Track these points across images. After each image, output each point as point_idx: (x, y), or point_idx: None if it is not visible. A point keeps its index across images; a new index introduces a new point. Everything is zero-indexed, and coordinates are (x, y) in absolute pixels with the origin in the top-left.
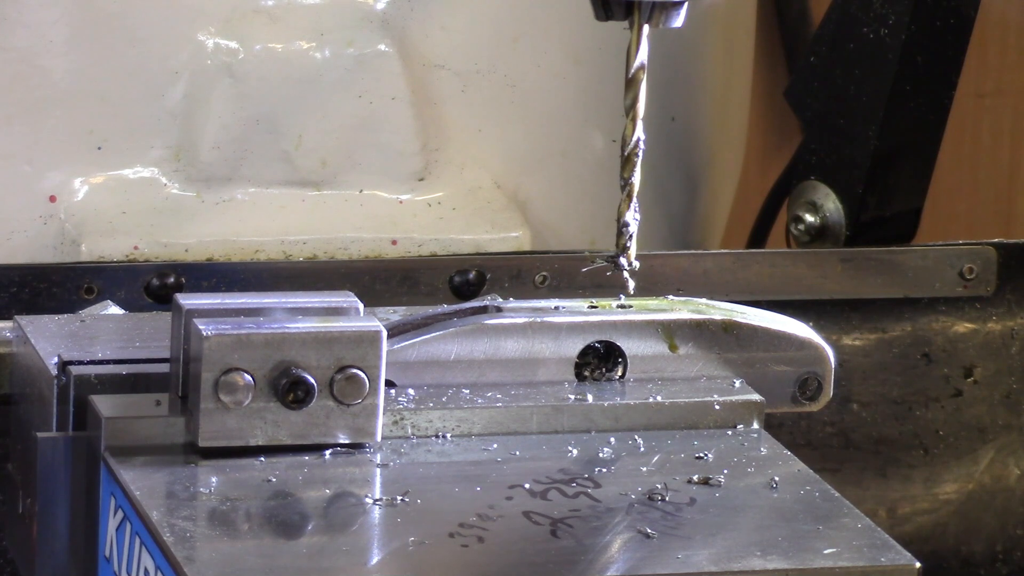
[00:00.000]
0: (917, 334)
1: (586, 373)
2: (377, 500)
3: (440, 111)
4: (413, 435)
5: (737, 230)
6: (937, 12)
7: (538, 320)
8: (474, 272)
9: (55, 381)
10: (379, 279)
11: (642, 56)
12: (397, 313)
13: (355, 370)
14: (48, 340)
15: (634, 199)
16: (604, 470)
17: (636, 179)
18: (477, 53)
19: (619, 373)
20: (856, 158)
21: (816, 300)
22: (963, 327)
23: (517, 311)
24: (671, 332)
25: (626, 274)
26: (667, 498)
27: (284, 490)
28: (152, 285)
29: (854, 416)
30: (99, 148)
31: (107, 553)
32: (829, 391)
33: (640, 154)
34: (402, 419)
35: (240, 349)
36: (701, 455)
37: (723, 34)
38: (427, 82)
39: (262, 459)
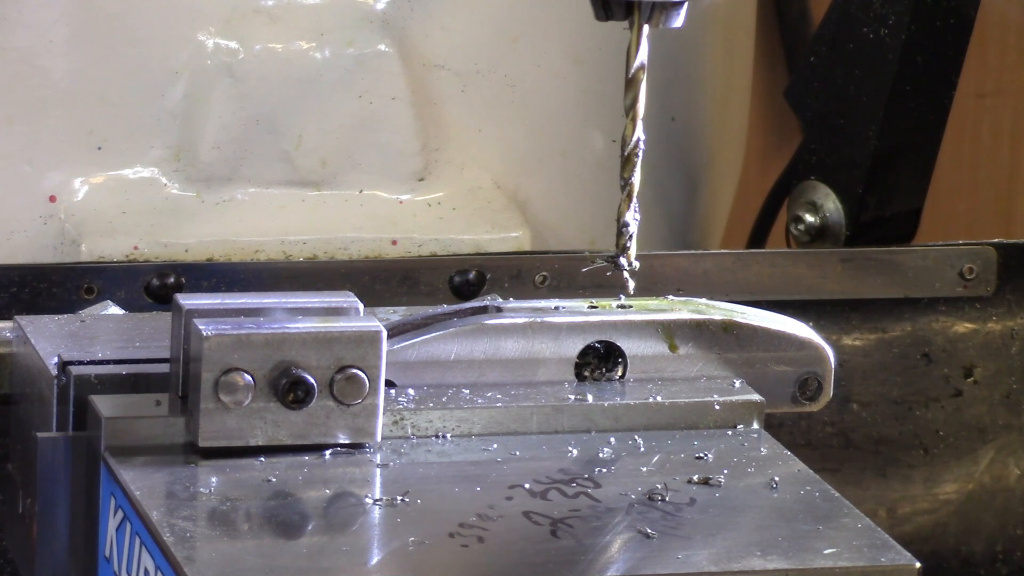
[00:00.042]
0: (917, 334)
1: (586, 373)
2: (377, 500)
3: (440, 111)
4: (413, 435)
5: (737, 230)
6: (937, 12)
7: (538, 320)
8: (474, 272)
9: (55, 381)
10: (379, 279)
11: (642, 56)
12: (397, 313)
13: (355, 370)
14: (48, 340)
15: (634, 199)
16: (604, 470)
17: (636, 179)
18: (477, 53)
19: (619, 373)
20: (856, 158)
21: (816, 300)
22: (963, 327)
23: (517, 311)
24: (671, 332)
25: (626, 274)
26: (667, 498)
27: (284, 490)
28: (152, 285)
29: (854, 416)
30: (99, 148)
31: (107, 553)
32: (829, 391)
33: (640, 154)
34: (402, 419)
35: (240, 349)
36: (701, 455)
37: (723, 34)
38: (427, 82)
39: (262, 459)
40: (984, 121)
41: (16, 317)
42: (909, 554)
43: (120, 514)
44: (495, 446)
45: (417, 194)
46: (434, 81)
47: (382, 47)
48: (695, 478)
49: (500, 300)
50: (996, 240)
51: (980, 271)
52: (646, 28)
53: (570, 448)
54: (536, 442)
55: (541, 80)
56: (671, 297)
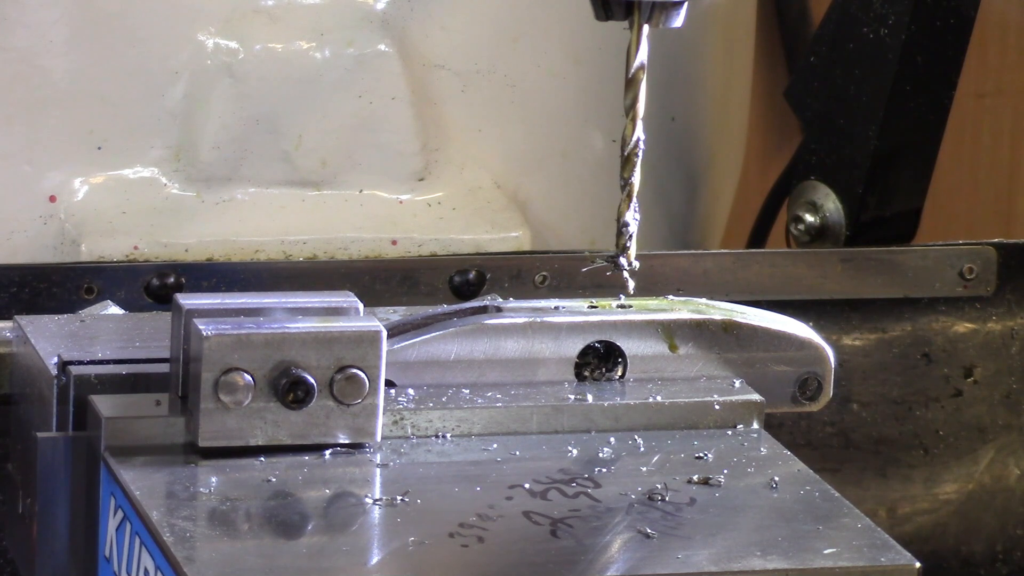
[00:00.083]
0: (917, 334)
1: (586, 373)
2: (377, 500)
3: (440, 111)
4: (413, 435)
5: (737, 230)
6: (937, 12)
7: (538, 320)
8: (474, 272)
9: (55, 381)
10: (379, 279)
11: (642, 56)
12: (397, 313)
13: (355, 370)
14: (48, 340)
15: (634, 199)
16: (604, 470)
17: (636, 179)
18: (477, 53)
19: (619, 373)
20: (856, 158)
21: (816, 300)
22: (963, 327)
23: (517, 311)
24: (671, 332)
25: (626, 274)
26: (667, 498)
27: (284, 490)
28: (152, 285)
29: (854, 416)
30: (99, 148)
31: (107, 553)
32: (829, 391)
33: (640, 154)
34: (402, 419)
35: (240, 349)
36: (701, 455)
37: (723, 34)
38: (427, 82)
39: (262, 459)
40: (984, 121)
41: (16, 317)
42: (909, 554)
43: (120, 514)
44: (495, 446)
45: (417, 194)
46: (434, 81)
47: (382, 47)
48: (695, 478)
49: (500, 300)
50: (996, 240)
51: (980, 271)
52: (646, 28)
53: (570, 448)
54: (536, 442)
55: (541, 80)
56: (671, 297)
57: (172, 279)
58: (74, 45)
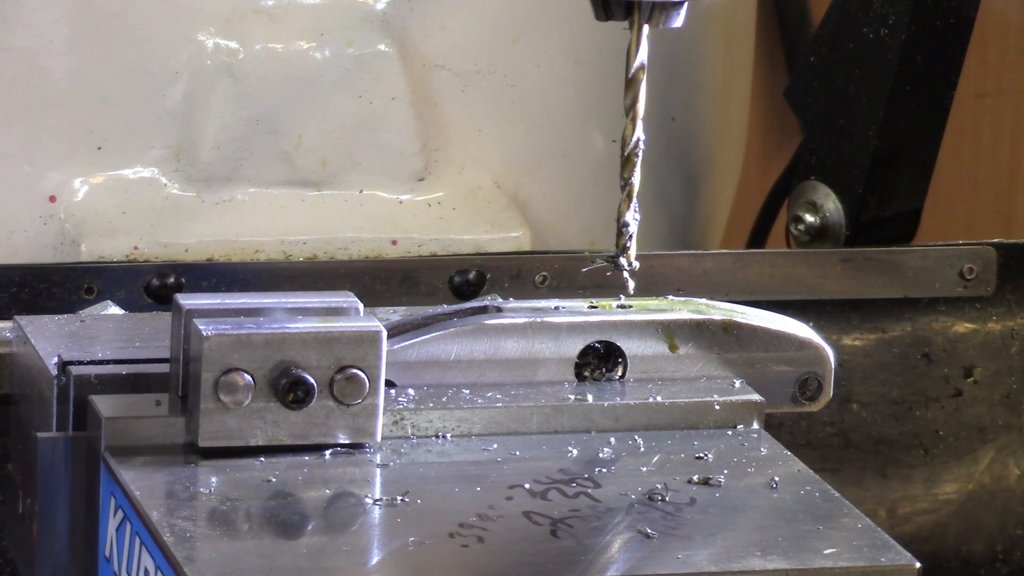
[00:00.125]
0: (917, 334)
1: (586, 373)
2: (377, 500)
3: (440, 111)
4: (413, 435)
5: (737, 230)
6: (937, 12)
7: (538, 320)
8: (474, 272)
9: (55, 381)
10: (379, 279)
11: (642, 56)
12: (397, 313)
13: (355, 370)
14: (48, 340)
15: (634, 199)
16: (604, 470)
17: (636, 179)
18: (477, 53)
19: (619, 373)
20: (856, 158)
21: (816, 300)
22: (963, 327)
23: (517, 311)
24: (671, 332)
25: (626, 274)
26: (667, 498)
27: (284, 490)
28: (152, 285)
29: (854, 416)
30: (99, 148)
31: (107, 553)
32: (829, 391)
33: (640, 154)
34: (402, 419)
35: (240, 349)
36: (701, 455)
37: (723, 34)
38: (427, 82)
39: (262, 459)
40: (984, 121)
41: (16, 317)
42: (909, 554)
43: (120, 514)
44: (495, 446)
45: (417, 194)
46: (434, 81)
47: (382, 47)
48: (695, 478)
49: (500, 300)
50: (996, 240)
51: (980, 271)
52: (646, 28)
53: (570, 448)
54: (536, 442)
55: (541, 80)
56: (671, 297)
57: (172, 279)
58: (74, 45)
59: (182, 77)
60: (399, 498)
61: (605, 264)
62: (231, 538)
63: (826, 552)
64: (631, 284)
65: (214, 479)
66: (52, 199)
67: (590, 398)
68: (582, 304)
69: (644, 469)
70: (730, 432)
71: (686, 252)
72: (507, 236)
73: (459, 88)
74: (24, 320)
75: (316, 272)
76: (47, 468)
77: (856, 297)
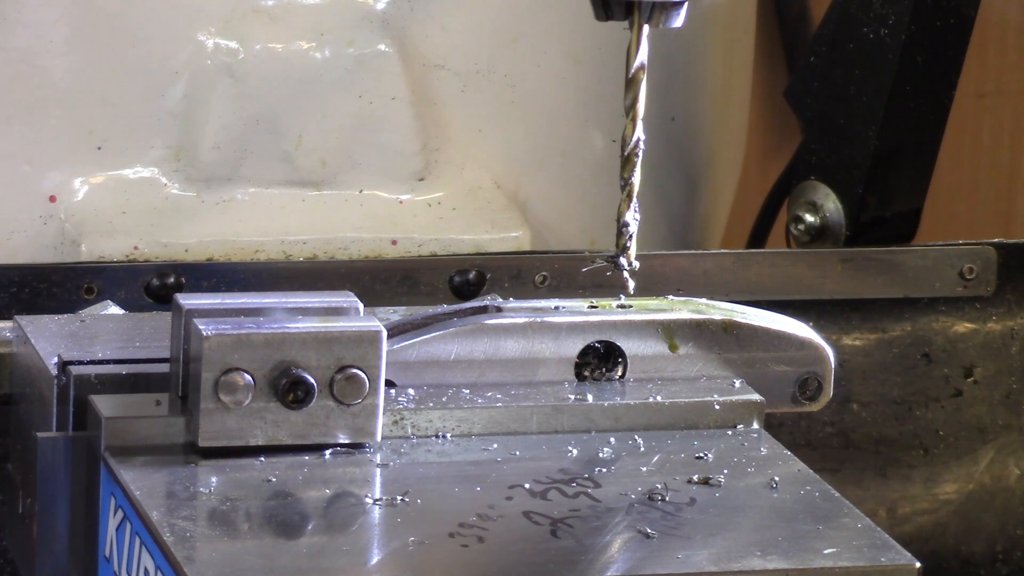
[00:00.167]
0: (917, 334)
1: (586, 373)
2: (377, 500)
3: (440, 111)
4: (413, 435)
5: (737, 230)
6: (937, 12)
7: (538, 320)
8: (474, 272)
9: (55, 381)
10: (379, 279)
11: (642, 56)
12: (397, 313)
13: (355, 370)
14: (48, 340)
15: (634, 199)
16: (604, 470)
17: (636, 179)
18: (477, 53)
19: (619, 373)
20: (856, 158)
21: (816, 300)
22: (963, 327)
23: (517, 311)
24: (671, 332)
25: (626, 274)
26: (667, 498)
27: (284, 490)
28: (152, 285)
29: (854, 416)
30: (99, 148)
31: (107, 553)
32: (829, 391)
33: (640, 154)
34: (402, 419)
35: (240, 349)
36: (701, 455)
37: (723, 34)
38: (427, 82)
39: (262, 459)
40: (984, 121)
41: (16, 317)
42: (909, 554)
43: (120, 514)
44: (495, 446)
45: (417, 194)
46: (434, 81)
47: (382, 47)
48: (695, 478)
49: (500, 300)
50: (996, 240)
51: (980, 271)
52: (646, 28)
53: (570, 448)
54: (536, 442)
55: (541, 80)
56: (671, 297)
57: (172, 279)
58: (74, 45)
59: (182, 77)
60: (399, 498)
61: (605, 264)
62: (231, 538)
63: (826, 552)
64: (631, 284)
65: (214, 479)
66: (52, 199)
67: (590, 398)
68: (582, 304)
69: (644, 469)
70: (730, 432)
71: (686, 252)
72: (507, 236)
73: (459, 88)
74: (24, 320)
75: (316, 272)
76: (47, 468)
77: (856, 297)
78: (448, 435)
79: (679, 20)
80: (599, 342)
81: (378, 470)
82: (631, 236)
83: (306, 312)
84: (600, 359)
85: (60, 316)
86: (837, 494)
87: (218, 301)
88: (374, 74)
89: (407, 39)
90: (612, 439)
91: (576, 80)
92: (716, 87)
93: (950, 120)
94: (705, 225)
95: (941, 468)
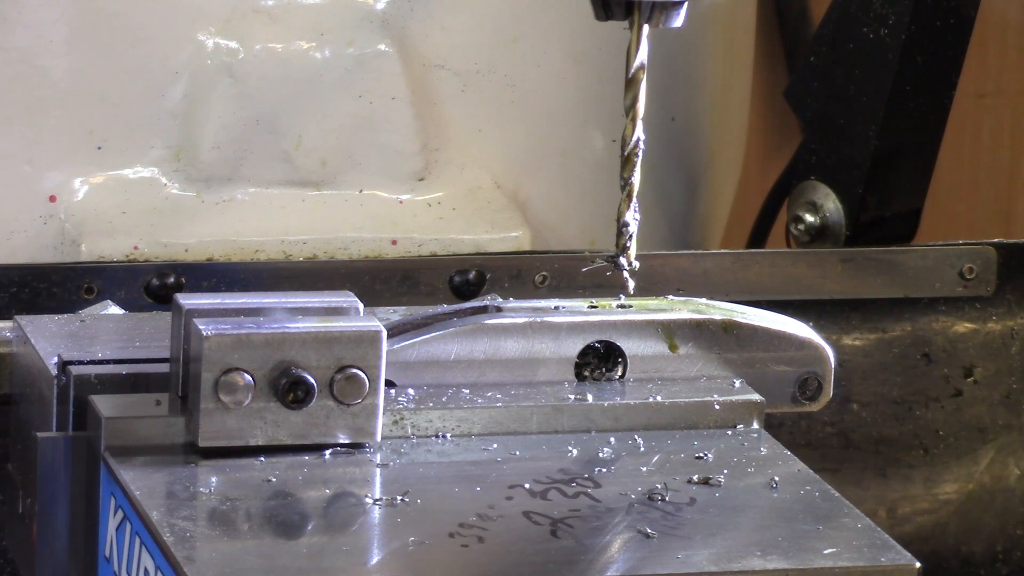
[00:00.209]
0: (917, 334)
1: (586, 373)
2: (377, 500)
3: (440, 111)
4: (413, 435)
5: (737, 230)
6: (937, 12)
7: (538, 320)
8: (474, 272)
9: (55, 381)
10: (379, 279)
11: (642, 56)
12: (397, 313)
13: (355, 370)
14: (48, 340)
15: (634, 199)
16: (604, 470)
17: (636, 179)
18: (477, 53)
19: (619, 373)
20: (856, 158)
21: (816, 300)
22: (963, 327)
23: (517, 311)
24: (671, 332)
25: (626, 274)
26: (667, 498)
27: (284, 490)
28: (152, 285)
29: (854, 416)
30: (99, 148)
31: (107, 553)
32: (829, 391)
33: (640, 154)
34: (402, 419)
35: (240, 349)
36: (701, 455)
37: (723, 34)
38: (427, 82)
39: (262, 459)
40: (984, 121)
41: (16, 317)
42: (909, 554)
43: (120, 514)
44: (495, 446)
45: (417, 194)
46: (434, 81)
47: (382, 47)
48: (695, 478)
49: (500, 300)
50: (996, 240)
51: (980, 271)
52: (646, 28)
53: (570, 448)
54: (536, 442)
55: (541, 80)
56: (671, 297)
57: (172, 279)
58: (74, 45)
59: (182, 77)
60: (399, 498)
61: (605, 264)
62: (231, 538)
63: (826, 552)
64: (631, 284)
65: (214, 479)
66: (52, 199)
67: (590, 398)
68: (582, 304)
69: (644, 469)
70: (730, 432)
71: (686, 252)
72: (507, 236)
73: (459, 88)
74: (24, 320)
75: (316, 272)
76: (47, 468)
77: (856, 297)
78: (448, 435)
79: (679, 20)
80: (599, 342)
81: (378, 470)
82: (631, 236)
83: (306, 312)
84: (600, 359)
85: (60, 316)
86: (837, 494)
87: (218, 301)
88: (374, 74)
89: (407, 39)
90: (612, 439)
91: (576, 80)
92: (716, 87)
93: (950, 120)
94: (705, 225)
95: (941, 468)
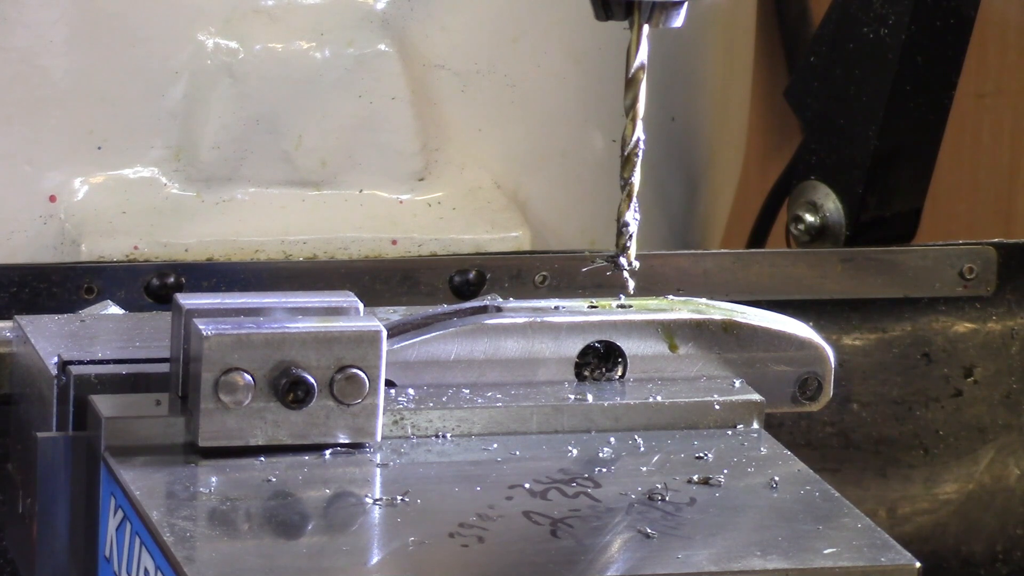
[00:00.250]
0: (917, 334)
1: (586, 373)
2: (377, 500)
3: (440, 111)
4: (413, 435)
5: (737, 230)
6: (937, 12)
7: (538, 320)
8: (474, 272)
9: (55, 381)
10: (379, 279)
11: (642, 56)
12: (397, 313)
13: (355, 370)
14: (48, 340)
15: (634, 199)
16: (604, 470)
17: (636, 179)
18: (477, 53)
19: (619, 373)
20: (856, 158)
21: (816, 300)
22: (963, 327)
23: (517, 311)
24: (671, 332)
25: (626, 274)
26: (667, 498)
27: (284, 490)
28: (152, 285)
29: (854, 416)
30: (99, 148)
31: (107, 553)
32: (829, 391)
33: (640, 154)
34: (402, 419)
35: (240, 349)
36: (701, 455)
37: (723, 34)
38: (427, 82)
39: (262, 459)
40: (984, 121)
41: (16, 317)
42: (909, 554)
43: (120, 514)
44: (495, 446)
45: (417, 194)
46: (434, 81)
47: (382, 47)
48: (695, 478)
49: (500, 300)
50: (996, 240)
51: (980, 271)
52: (646, 28)
53: (570, 448)
54: (536, 442)
55: (541, 80)
56: (671, 297)
57: (172, 279)
58: (74, 45)
59: (182, 77)
60: (399, 498)
61: (605, 264)
62: (231, 538)
63: (826, 552)
64: (631, 284)
65: (214, 479)
66: (52, 199)
67: (590, 398)
68: (582, 304)
69: (644, 469)
70: (730, 432)
71: (686, 252)
72: (507, 236)
73: (459, 88)
74: (24, 320)
75: (316, 272)
76: (47, 468)
77: (856, 297)
78: (448, 435)
79: (679, 20)
80: (599, 342)
81: (378, 470)
82: (631, 236)
83: (306, 312)
84: (600, 359)
85: (60, 316)
86: (837, 494)
87: (218, 301)
88: (374, 74)
89: (407, 39)
90: (612, 439)
91: (576, 80)
92: (716, 87)
93: (950, 120)
94: (705, 225)
95: (941, 468)
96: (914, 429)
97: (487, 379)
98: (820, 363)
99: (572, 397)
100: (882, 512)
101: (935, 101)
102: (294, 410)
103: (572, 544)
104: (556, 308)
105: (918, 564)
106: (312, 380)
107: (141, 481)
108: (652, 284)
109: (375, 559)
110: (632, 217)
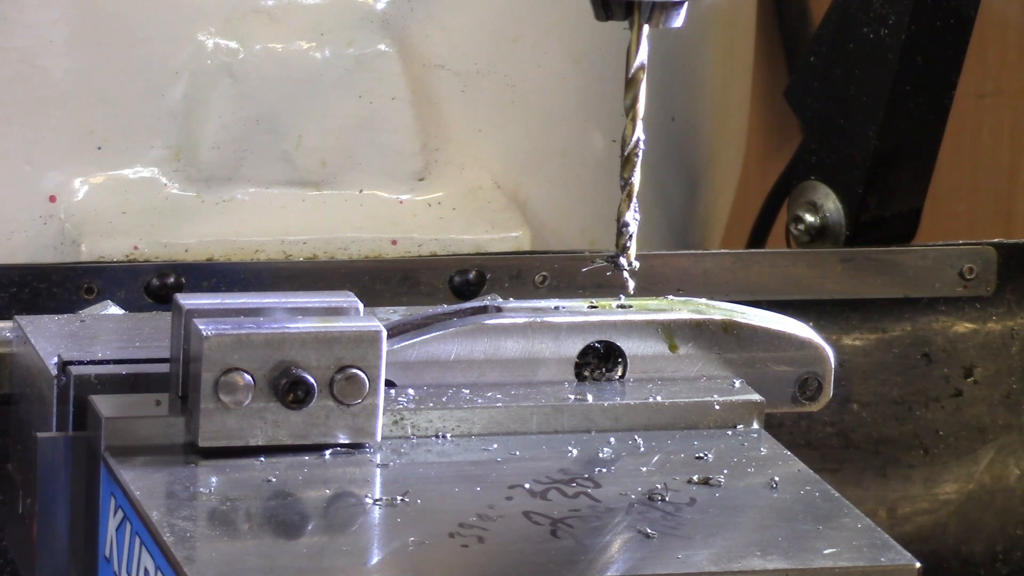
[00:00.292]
0: (917, 334)
1: (586, 373)
2: (377, 500)
3: (440, 111)
4: (413, 435)
5: (737, 230)
6: (937, 12)
7: (538, 320)
8: (474, 272)
9: (55, 381)
10: (379, 279)
11: (642, 56)
12: (397, 313)
13: (355, 370)
14: (48, 340)
15: (634, 199)
16: (604, 470)
17: (636, 179)
18: (477, 53)
19: (619, 373)
20: (856, 158)
21: (816, 300)
22: (963, 327)
23: (517, 311)
24: (671, 332)
25: (626, 274)
26: (667, 498)
27: (284, 490)
28: (152, 285)
29: (854, 416)
30: (99, 148)
31: (107, 553)
32: (829, 391)
33: (640, 154)
34: (402, 419)
35: (240, 349)
36: (701, 455)
37: (723, 34)
38: (427, 82)
39: (262, 459)
40: (984, 121)
41: (16, 317)
42: (909, 554)
43: (120, 514)
44: (495, 446)
45: (417, 194)
46: (434, 81)
47: (382, 47)
48: (695, 478)
49: (500, 300)
50: (996, 240)
51: (980, 271)
52: (646, 28)
53: (570, 448)
54: (536, 442)
55: (541, 80)
56: (671, 297)
57: (172, 279)
58: (74, 45)
59: (182, 77)
60: (399, 498)
61: (605, 264)
62: (231, 538)
63: (826, 552)
64: (631, 284)
65: (214, 479)
66: (52, 199)
67: (590, 398)
68: (582, 304)
69: (644, 469)
70: (730, 432)
71: (686, 252)
72: (507, 236)
73: (459, 88)
74: (24, 320)
75: (316, 272)
76: (47, 468)
77: (856, 297)
78: (448, 435)
79: (679, 20)
80: (599, 342)
81: (378, 470)
82: (631, 236)
83: (306, 312)
84: (600, 359)
85: (60, 316)
86: (837, 494)
87: (218, 301)
88: (374, 74)
89: (407, 39)
90: (612, 439)
91: (576, 80)
92: (716, 87)
93: (950, 120)
94: (705, 225)
95: (941, 468)
96: (914, 429)
97: (487, 379)
98: (820, 363)
99: (572, 397)
100: (882, 512)
101: (935, 101)
102: (294, 410)
103: (572, 544)
104: (556, 308)
105: (918, 564)
106: (312, 380)
107: (141, 481)
108: (652, 284)
109: (375, 559)
110: (632, 217)
